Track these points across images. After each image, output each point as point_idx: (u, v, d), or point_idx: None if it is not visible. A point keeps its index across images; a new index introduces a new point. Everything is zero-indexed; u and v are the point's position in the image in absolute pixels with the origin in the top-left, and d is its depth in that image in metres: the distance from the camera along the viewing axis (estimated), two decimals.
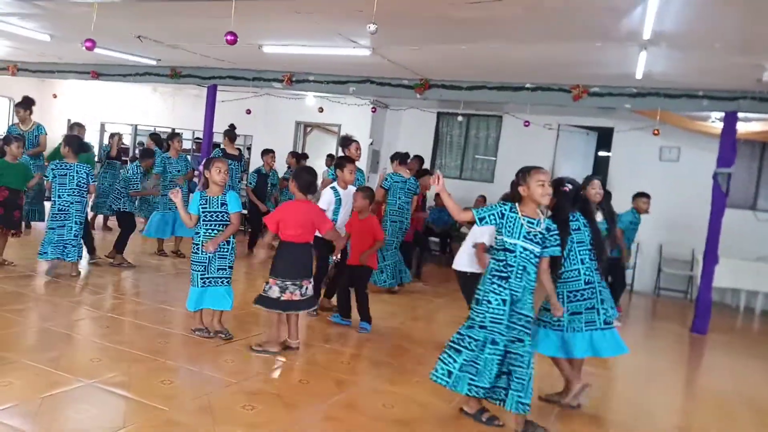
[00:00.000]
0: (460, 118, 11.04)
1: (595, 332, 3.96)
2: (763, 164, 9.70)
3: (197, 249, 4.57)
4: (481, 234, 4.76)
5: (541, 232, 3.55)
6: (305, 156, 10.82)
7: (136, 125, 14.53)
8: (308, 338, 5.16)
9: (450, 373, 3.56)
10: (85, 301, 5.55)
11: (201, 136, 11.03)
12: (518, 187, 3.58)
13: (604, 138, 10.91)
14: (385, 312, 6.32)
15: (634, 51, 5.73)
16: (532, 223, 3.54)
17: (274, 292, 4.47)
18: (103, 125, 14.61)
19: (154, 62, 9.84)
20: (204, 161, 4.71)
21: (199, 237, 4.57)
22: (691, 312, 7.43)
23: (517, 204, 3.61)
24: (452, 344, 3.62)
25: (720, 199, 7.13)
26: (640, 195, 7.17)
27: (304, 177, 4.59)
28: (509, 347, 3.50)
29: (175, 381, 3.80)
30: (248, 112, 12.05)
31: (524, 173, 3.58)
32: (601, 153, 11.33)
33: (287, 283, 4.47)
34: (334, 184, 5.89)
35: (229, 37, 4.72)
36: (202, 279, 4.57)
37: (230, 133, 8.71)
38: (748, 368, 6.00)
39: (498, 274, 3.55)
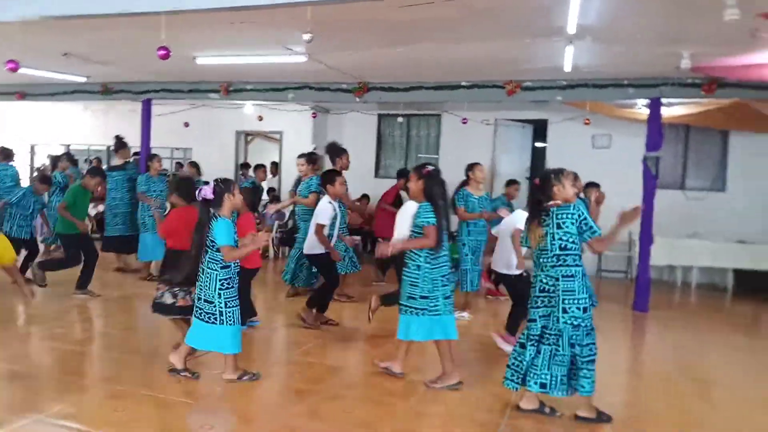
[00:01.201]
0: (400, 119, 11.14)
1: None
2: (689, 146, 10.23)
3: (230, 284, 4.11)
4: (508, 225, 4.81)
5: None
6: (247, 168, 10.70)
7: (68, 145, 13.99)
8: (262, 352, 5.12)
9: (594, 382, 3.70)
10: (27, 331, 5.33)
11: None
12: (553, 188, 3.68)
13: (540, 130, 11.24)
14: (343, 315, 6.33)
15: (562, 45, 5.95)
16: None
17: (168, 299, 4.51)
18: (33, 147, 14.00)
19: (83, 79, 9.50)
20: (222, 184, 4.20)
21: (230, 270, 4.12)
22: (632, 291, 7.77)
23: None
24: (593, 357, 3.67)
25: (650, 181, 7.49)
26: (594, 185, 6.73)
27: (185, 186, 4.82)
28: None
29: (128, 407, 3.71)
30: (186, 125, 11.79)
31: (558, 174, 3.71)
32: (538, 144, 11.67)
33: (175, 289, 4.50)
34: (327, 197, 5.69)
35: (161, 53, 4.60)
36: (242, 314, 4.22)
37: (116, 144, 8.81)
38: (688, 342, 6.33)
39: (584, 274, 3.73)
